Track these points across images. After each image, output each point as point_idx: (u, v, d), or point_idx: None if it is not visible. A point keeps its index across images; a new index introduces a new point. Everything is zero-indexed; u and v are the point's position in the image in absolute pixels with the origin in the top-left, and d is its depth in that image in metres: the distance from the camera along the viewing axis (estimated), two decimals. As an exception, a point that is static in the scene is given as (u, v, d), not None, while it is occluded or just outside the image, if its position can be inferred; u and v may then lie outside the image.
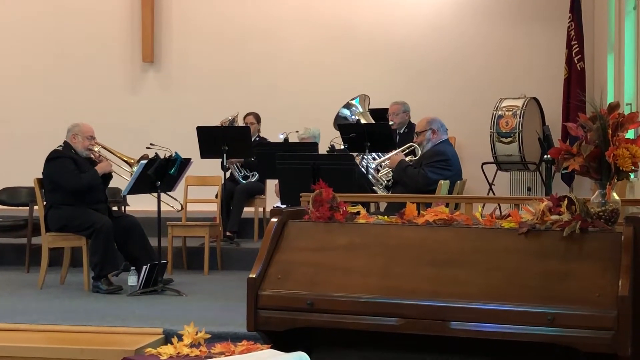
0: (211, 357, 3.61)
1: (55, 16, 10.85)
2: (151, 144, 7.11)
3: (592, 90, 9.30)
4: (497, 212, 4.19)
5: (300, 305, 3.89)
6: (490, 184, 9.24)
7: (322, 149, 7.90)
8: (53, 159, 6.76)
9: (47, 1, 10.89)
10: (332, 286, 3.91)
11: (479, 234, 3.96)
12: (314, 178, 5.79)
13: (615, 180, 3.87)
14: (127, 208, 8.66)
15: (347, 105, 8.55)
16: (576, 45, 9.35)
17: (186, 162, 6.86)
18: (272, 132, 8.91)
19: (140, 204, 8.32)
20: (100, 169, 6.81)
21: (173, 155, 6.70)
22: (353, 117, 8.46)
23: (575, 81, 9.32)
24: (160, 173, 6.59)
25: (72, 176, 6.66)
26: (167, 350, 3.72)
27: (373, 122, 8.38)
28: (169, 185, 6.80)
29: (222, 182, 8.27)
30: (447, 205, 4.48)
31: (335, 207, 4.24)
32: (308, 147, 7.59)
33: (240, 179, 8.77)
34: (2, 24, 10.95)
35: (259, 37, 10.54)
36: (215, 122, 8.69)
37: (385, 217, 4.35)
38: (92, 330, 5.12)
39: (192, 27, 10.71)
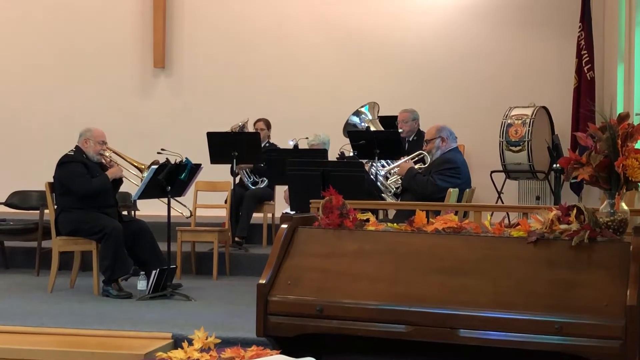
0: (221, 362, 3.63)
1: (66, 22, 10.90)
2: (162, 149, 7.14)
3: (601, 100, 9.30)
4: (506, 221, 4.20)
5: (309, 311, 3.91)
6: (499, 193, 9.24)
7: (332, 156, 7.92)
8: (64, 163, 6.80)
9: (59, 7, 10.94)
10: (341, 293, 3.93)
11: (488, 243, 3.97)
12: (324, 185, 5.81)
13: (624, 191, 3.89)
14: (137, 213, 8.70)
15: (357, 113, 8.58)
16: (586, 55, 9.35)
17: (196, 168, 6.89)
18: (282, 138, 8.94)
19: (150, 209, 8.34)
20: (110, 174, 6.85)
21: (183, 161, 6.74)
22: (362, 124, 8.49)
23: (585, 90, 9.31)
24: (170, 178, 6.62)
25: (83, 181, 6.70)
26: (178, 354, 3.73)
27: (382, 129, 8.40)
28: (179, 190, 6.84)
29: (232, 187, 8.30)
30: (456, 213, 4.49)
31: (345, 214, 4.26)
32: (318, 153, 7.62)
33: (250, 184, 8.80)
34: (14, 29, 11.01)
35: (270, 44, 10.58)
36: (225, 127, 8.72)
37: (395, 224, 4.37)
38: (102, 334, 5.14)
39: (203, 33, 10.75)
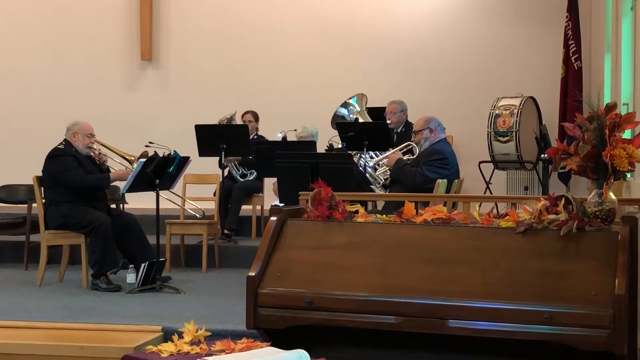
0: (211, 355, 3.63)
1: (53, 14, 10.85)
2: (150, 142, 7.13)
3: (589, 90, 9.32)
4: (495, 211, 4.22)
5: (299, 304, 3.91)
6: (488, 183, 9.27)
7: (320, 148, 7.92)
8: (56, 156, 6.76)
9: (45, 0, 10.90)
10: (331, 284, 3.93)
11: (477, 233, 3.99)
12: (313, 177, 5.81)
13: (612, 180, 3.90)
14: (126, 206, 8.67)
15: (345, 104, 8.57)
16: (573, 45, 9.37)
17: (185, 160, 6.88)
18: (270, 130, 8.93)
19: (139, 202, 8.34)
20: (114, 176, 6.81)
21: (172, 154, 6.73)
22: (351, 116, 8.49)
23: (572, 81, 9.33)
24: (159, 171, 6.61)
25: (78, 173, 6.68)
26: (168, 347, 3.74)
27: (371, 121, 8.40)
28: (167, 183, 6.83)
29: (220, 180, 8.29)
30: (444, 204, 4.50)
31: (334, 206, 4.26)
32: (306, 145, 7.61)
33: (238, 177, 8.79)
34: (0, 22, 10.96)
35: (258, 35, 10.56)
36: (213, 120, 8.70)
37: (384, 216, 4.37)
38: (91, 328, 5.14)
39: (190, 25, 10.72)
